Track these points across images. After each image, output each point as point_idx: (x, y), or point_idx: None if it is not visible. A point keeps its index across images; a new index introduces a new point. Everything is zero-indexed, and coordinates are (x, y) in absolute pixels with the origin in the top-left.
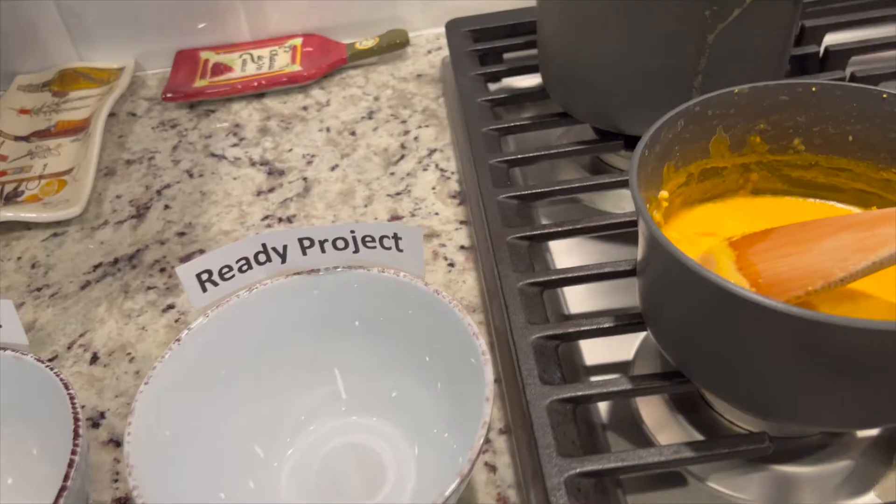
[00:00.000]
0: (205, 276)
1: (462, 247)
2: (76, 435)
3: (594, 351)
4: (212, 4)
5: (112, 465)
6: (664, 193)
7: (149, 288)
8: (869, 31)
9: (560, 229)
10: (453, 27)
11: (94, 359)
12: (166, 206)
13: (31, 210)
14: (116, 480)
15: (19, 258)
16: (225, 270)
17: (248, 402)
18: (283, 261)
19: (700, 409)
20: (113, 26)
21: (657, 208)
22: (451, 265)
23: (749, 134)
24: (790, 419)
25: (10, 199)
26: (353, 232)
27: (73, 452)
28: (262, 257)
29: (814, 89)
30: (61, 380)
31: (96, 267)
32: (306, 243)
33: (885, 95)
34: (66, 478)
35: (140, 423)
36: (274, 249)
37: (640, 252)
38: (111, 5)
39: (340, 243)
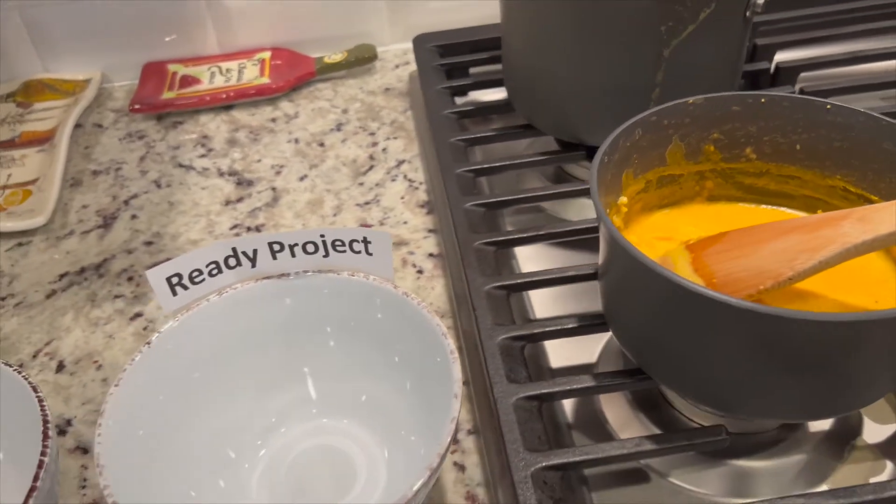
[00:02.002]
0: (175, 280)
1: (430, 254)
2: (45, 437)
3: (559, 354)
4: (180, 17)
5: (80, 472)
6: (623, 199)
7: (116, 296)
8: (817, 49)
9: (524, 235)
10: (420, 43)
11: (61, 367)
12: (133, 216)
13: None
14: (84, 486)
15: None
16: (195, 274)
17: (219, 404)
18: (254, 265)
19: (661, 407)
20: (79, 38)
21: (617, 213)
22: (420, 272)
23: (703, 143)
24: (745, 412)
25: None
26: (322, 236)
27: (43, 454)
28: (232, 261)
29: (763, 100)
30: (29, 382)
31: (62, 276)
32: (276, 247)
33: (828, 106)
34: (35, 478)
35: (110, 424)
36: (244, 254)
37: (601, 255)
38: (77, 18)
39: (310, 247)
